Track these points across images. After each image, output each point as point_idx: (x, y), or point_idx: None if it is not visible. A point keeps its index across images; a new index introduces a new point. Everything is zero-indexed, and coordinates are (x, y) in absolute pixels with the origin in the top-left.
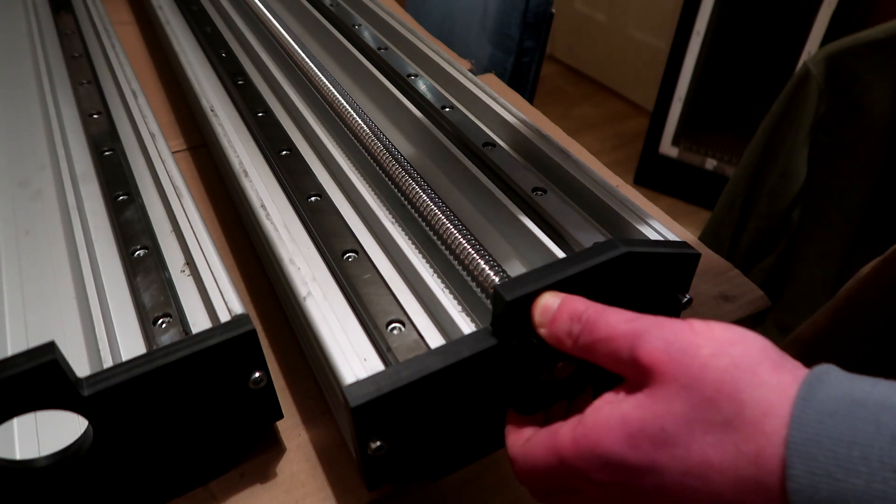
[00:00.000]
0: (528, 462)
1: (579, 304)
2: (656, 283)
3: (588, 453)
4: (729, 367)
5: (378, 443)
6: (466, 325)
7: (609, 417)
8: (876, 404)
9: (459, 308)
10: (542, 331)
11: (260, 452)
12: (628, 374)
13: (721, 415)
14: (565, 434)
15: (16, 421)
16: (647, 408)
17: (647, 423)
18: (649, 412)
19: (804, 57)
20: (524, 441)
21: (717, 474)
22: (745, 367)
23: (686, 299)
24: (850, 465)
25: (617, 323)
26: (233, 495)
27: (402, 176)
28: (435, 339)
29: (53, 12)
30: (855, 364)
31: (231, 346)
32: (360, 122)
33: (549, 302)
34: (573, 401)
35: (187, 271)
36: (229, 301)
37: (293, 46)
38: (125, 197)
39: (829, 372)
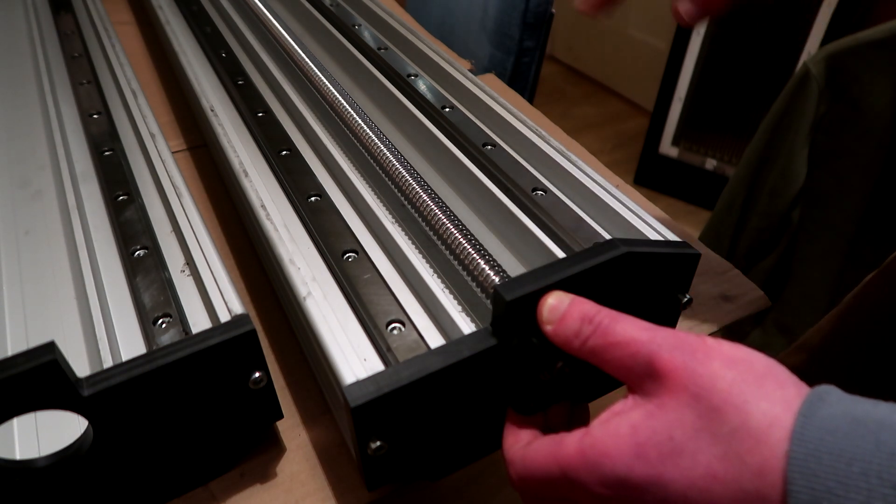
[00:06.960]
0: (528, 468)
1: (590, 307)
2: (656, 283)
3: (593, 465)
4: (736, 380)
5: (378, 443)
6: (466, 325)
7: (618, 428)
8: (875, 423)
9: (459, 308)
10: (549, 328)
11: (260, 452)
12: (637, 380)
13: (727, 425)
14: (571, 444)
15: (16, 421)
16: (657, 417)
17: (656, 432)
18: (659, 421)
19: (804, 57)
20: (523, 445)
21: (720, 487)
22: (751, 380)
23: (686, 299)
24: (850, 482)
25: (634, 330)
26: (233, 495)
27: (402, 176)
28: (435, 339)
29: (53, 12)
30: (860, 369)
31: (231, 346)
32: (360, 122)
33: (558, 301)
34: (576, 405)
35: (187, 271)
36: (229, 301)
37: (293, 46)
38: (125, 197)
39: (830, 392)
